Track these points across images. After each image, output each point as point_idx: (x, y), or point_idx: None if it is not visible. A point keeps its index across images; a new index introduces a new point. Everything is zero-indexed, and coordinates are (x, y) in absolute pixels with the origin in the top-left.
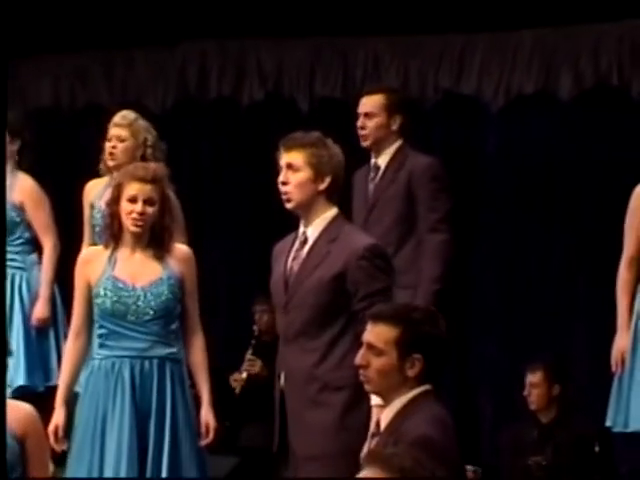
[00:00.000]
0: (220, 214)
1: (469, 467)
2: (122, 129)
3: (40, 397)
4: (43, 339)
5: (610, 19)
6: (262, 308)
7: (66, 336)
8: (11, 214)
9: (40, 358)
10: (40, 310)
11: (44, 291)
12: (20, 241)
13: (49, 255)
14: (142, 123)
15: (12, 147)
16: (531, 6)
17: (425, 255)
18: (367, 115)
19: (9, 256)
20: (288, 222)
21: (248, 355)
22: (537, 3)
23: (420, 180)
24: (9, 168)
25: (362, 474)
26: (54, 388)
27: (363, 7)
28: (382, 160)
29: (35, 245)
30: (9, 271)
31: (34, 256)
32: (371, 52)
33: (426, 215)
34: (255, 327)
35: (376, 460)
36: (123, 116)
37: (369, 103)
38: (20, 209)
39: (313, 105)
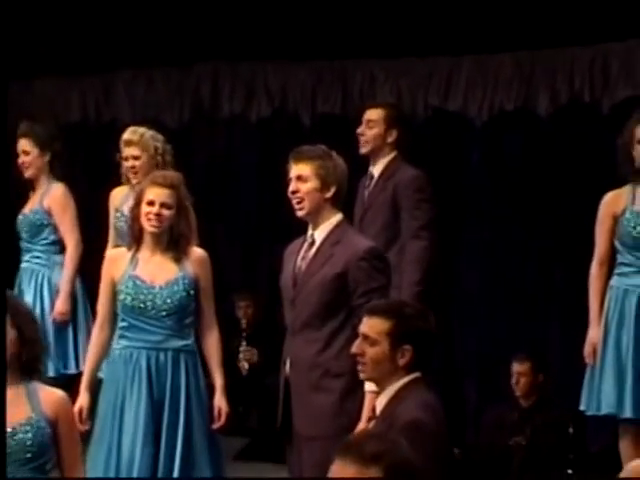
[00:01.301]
0: (230, 219)
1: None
2: (134, 148)
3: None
4: (62, 331)
5: (582, 43)
6: (246, 303)
7: (85, 328)
8: (40, 217)
9: (59, 348)
10: (60, 305)
11: (64, 287)
12: (46, 242)
13: (70, 254)
14: (148, 134)
15: (44, 159)
16: (511, 32)
17: (407, 259)
18: (368, 124)
19: (35, 254)
20: (297, 228)
21: (243, 347)
22: (516, 29)
23: (405, 191)
24: (44, 178)
25: (333, 466)
26: (71, 376)
27: (359, 33)
28: (376, 169)
29: (61, 247)
30: (34, 267)
31: (59, 257)
32: (367, 73)
33: (409, 222)
34: (243, 321)
35: (347, 451)
36: (132, 133)
37: (372, 114)
38: (48, 213)
39: (315, 120)
